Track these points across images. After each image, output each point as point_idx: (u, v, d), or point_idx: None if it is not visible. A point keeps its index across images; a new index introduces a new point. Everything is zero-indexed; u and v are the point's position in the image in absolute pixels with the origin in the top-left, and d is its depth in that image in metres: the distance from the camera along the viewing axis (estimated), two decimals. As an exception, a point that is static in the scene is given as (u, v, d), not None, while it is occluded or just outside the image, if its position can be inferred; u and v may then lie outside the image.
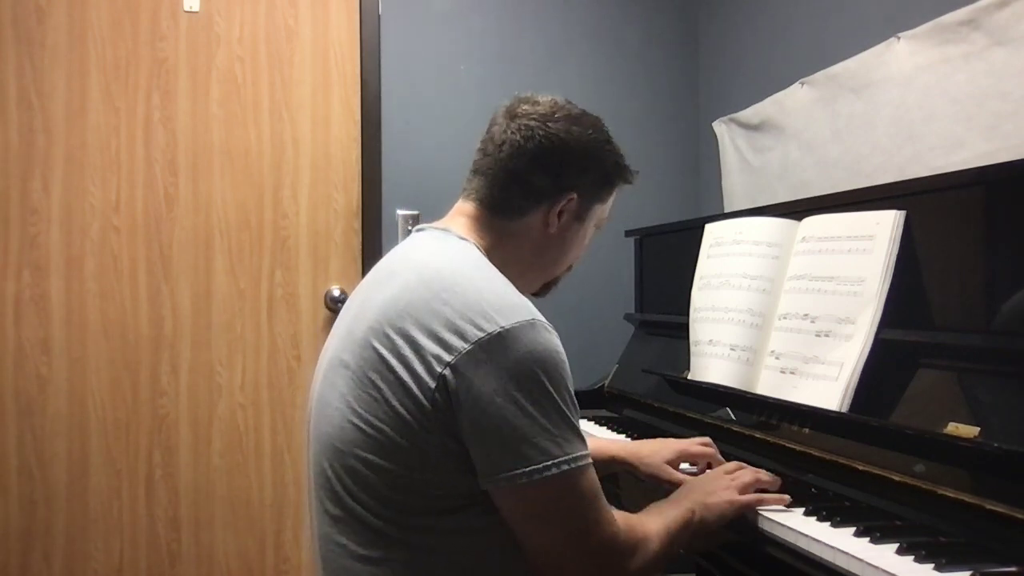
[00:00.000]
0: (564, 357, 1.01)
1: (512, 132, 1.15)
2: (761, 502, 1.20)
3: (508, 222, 1.16)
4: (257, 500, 2.46)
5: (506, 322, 0.97)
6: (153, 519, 2.39)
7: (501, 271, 1.11)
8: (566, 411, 0.99)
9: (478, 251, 1.13)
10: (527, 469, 0.95)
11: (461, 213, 1.19)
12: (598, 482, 1.02)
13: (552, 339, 1.00)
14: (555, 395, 0.98)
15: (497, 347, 0.96)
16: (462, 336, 0.97)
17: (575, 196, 1.16)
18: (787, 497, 1.21)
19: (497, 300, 1.00)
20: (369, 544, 1.03)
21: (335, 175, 2.53)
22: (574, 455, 0.98)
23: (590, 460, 1.00)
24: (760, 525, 1.18)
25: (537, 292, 1.26)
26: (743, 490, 1.21)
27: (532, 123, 1.15)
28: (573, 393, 1.02)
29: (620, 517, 1.05)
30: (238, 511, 2.45)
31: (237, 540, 2.44)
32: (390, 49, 2.58)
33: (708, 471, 1.38)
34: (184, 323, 2.42)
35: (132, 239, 2.39)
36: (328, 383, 1.10)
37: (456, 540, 1.03)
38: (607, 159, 1.20)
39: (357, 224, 2.54)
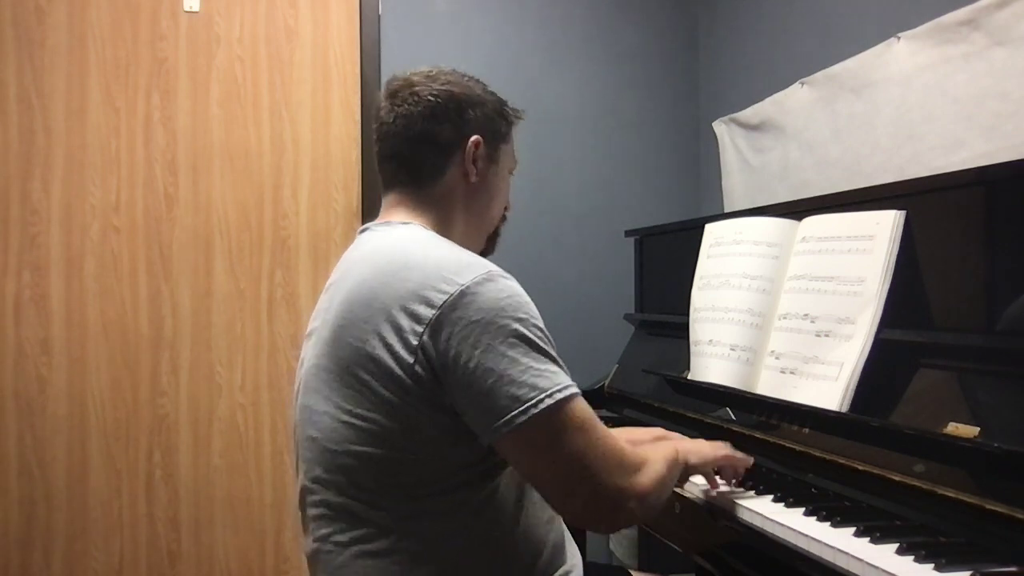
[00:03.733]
0: (527, 298, 1.05)
1: (400, 105, 1.19)
2: (737, 460, 1.32)
3: (432, 188, 1.20)
4: (257, 500, 2.46)
5: (465, 280, 1.02)
6: (153, 519, 2.39)
7: (449, 239, 1.15)
8: (542, 346, 1.02)
9: (423, 229, 1.16)
10: (522, 407, 0.98)
11: (391, 205, 1.22)
12: (591, 409, 1.04)
13: (510, 284, 1.05)
14: (528, 334, 1.01)
15: (462, 304, 1.00)
16: (429, 304, 1.01)
17: (480, 138, 1.20)
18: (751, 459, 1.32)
19: (452, 263, 1.04)
20: (365, 539, 1.05)
21: (335, 175, 2.53)
22: (562, 385, 1.01)
23: (577, 389, 1.03)
24: (760, 525, 1.18)
25: (484, 250, 1.29)
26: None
27: (417, 89, 1.19)
28: (544, 329, 1.05)
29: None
30: (238, 511, 2.44)
31: (237, 540, 2.44)
32: (390, 49, 2.58)
33: None
34: (184, 323, 2.42)
35: (132, 239, 2.39)
36: (311, 391, 1.11)
37: (450, 522, 1.05)
38: (491, 99, 1.25)
39: (357, 224, 2.54)
